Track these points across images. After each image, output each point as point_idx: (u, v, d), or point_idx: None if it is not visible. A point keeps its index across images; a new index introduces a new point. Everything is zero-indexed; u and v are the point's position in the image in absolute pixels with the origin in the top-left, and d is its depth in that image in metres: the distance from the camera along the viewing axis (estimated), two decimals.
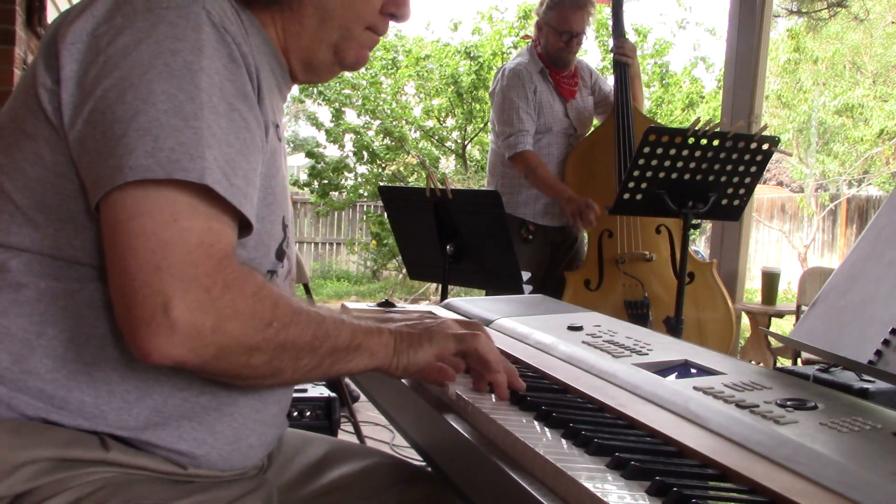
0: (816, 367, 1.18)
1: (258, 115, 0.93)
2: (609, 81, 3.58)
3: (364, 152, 9.25)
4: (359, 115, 9.42)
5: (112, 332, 0.89)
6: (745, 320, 4.40)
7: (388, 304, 1.81)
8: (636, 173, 2.51)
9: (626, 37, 3.52)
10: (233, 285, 0.84)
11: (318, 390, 2.54)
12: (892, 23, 12.00)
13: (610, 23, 3.71)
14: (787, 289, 8.47)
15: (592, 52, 9.43)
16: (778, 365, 4.05)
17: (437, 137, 9.49)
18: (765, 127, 2.91)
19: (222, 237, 0.86)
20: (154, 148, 0.82)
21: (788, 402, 0.94)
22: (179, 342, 0.80)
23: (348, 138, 9.35)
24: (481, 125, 9.03)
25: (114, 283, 0.83)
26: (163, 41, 0.86)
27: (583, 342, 1.28)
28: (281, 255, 1.01)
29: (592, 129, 3.54)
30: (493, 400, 1.01)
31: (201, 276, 0.81)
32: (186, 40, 0.87)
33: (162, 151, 0.82)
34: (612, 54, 3.52)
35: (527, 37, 5.90)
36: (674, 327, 2.62)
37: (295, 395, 2.44)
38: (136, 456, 0.91)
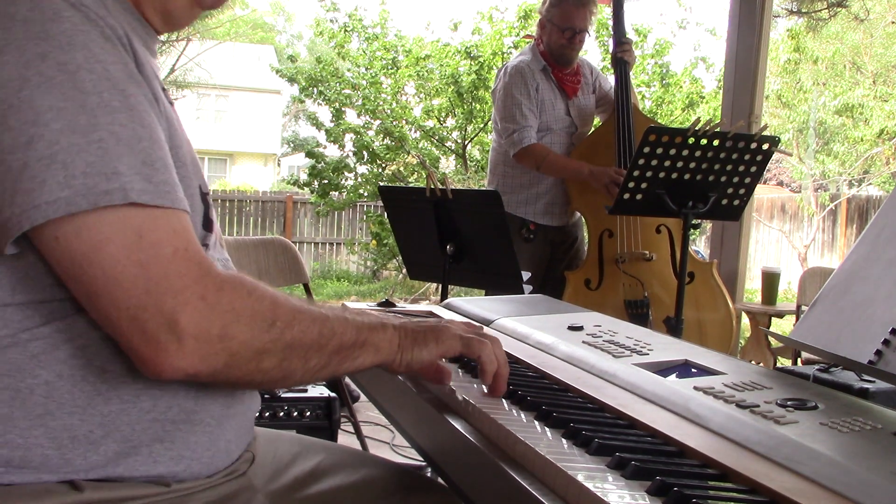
0: (816, 367, 1.18)
1: (147, 92, 0.86)
2: (610, 81, 3.58)
3: (364, 152, 9.23)
4: (359, 115, 9.41)
5: (57, 376, 0.83)
6: (745, 320, 4.40)
7: (388, 304, 1.81)
8: (636, 173, 2.51)
9: (628, 37, 3.53)
10: (224, 287, 0.82)
11: (318, 390, 2.53)
12: (893, 23, 11.99)
13: (610, 23, 3.71)
14: (787, 289, 8.47)
15: (592, 52, 9.41)
16: (778, 365, 4.05)
17: (437, 137, 9.48)
18: (765, 127, 2.91)
19: (189, 237, 0.83)
20: (67, 176, 0.75)
21: (788, 402, 0.94)
22: (189, 353, 0.79)
23: (348, 138, 9.33)
24: (481, 125, 9.02)
25: (106, 317, 0.80)
26: (25, 45, 0.77)
27: (583, 342, 1.28)
28: (208, 224, 0.96)
29: (593, 128, 3.54)
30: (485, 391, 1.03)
31: (191, 284, 0.80)
32: (50, 37, 0.78)
33: (75, 178, 0.76)
34: (611, 54, 3.53)
35: (528, 36, 5.90)
36: (674, 327, 2.62)
37: (295, 395, 2.46)
38: (112, 489, 0.86)
